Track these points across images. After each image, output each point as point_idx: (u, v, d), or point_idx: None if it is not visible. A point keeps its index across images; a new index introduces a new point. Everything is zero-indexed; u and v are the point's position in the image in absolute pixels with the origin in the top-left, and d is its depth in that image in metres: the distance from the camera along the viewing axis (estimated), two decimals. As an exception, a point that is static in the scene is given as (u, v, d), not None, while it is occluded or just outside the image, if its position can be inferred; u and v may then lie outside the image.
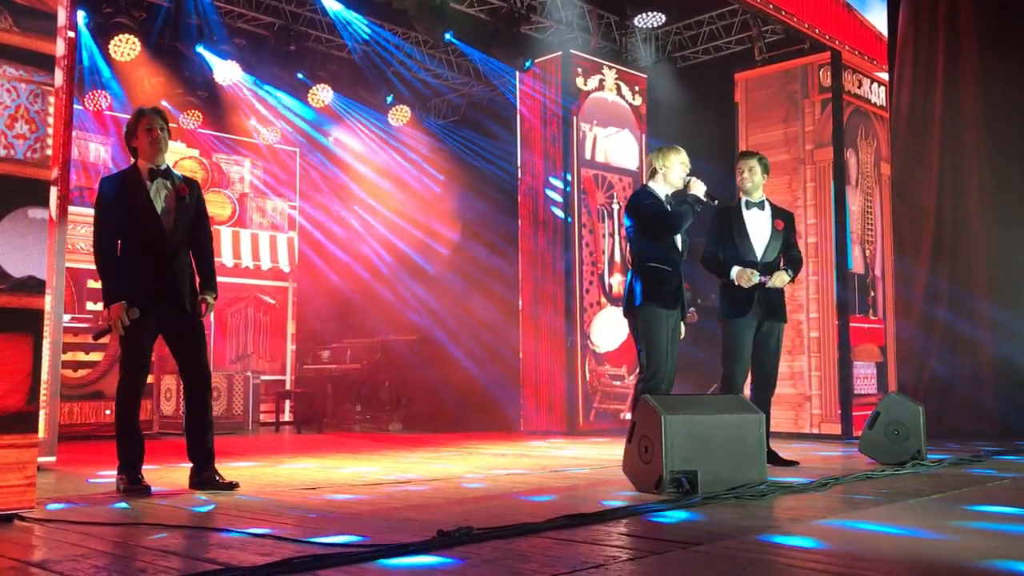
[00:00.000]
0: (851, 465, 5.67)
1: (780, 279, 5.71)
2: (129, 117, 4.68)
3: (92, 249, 4.48)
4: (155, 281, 4.46)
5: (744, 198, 5.84)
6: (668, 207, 5.11)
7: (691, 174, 5.19)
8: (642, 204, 5.13)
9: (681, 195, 5.16)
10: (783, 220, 5.91)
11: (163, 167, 4.57)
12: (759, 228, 5.78)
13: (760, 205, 5.83)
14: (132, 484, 4.38)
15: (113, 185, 4.53)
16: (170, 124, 4.70)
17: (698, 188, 5.10)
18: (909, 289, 9.07)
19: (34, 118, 3.61)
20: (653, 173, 5.21)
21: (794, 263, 5.85)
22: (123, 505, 4.02)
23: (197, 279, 4.66)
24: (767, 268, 5.71)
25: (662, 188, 5.18)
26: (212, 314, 4.86)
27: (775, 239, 5.79)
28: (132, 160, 4.61)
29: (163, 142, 4.54)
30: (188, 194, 4.61)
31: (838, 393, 8.33)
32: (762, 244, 5.76)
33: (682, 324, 5.23)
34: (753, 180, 5.81)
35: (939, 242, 9.01)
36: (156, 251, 4.47)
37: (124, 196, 4.47)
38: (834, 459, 6.22)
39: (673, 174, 5.16)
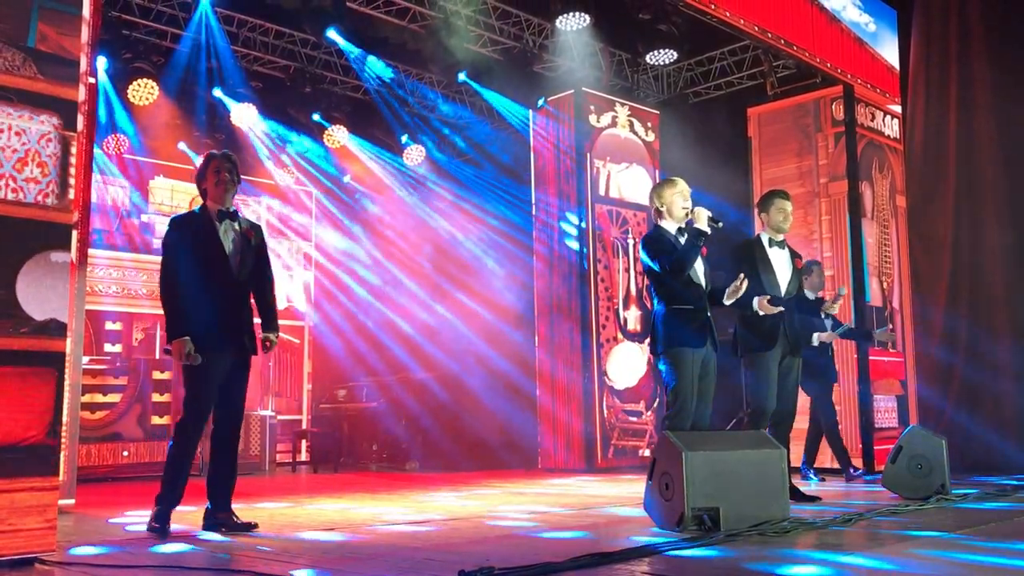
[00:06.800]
0: (874, 500, 5.60)
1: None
2: (200, 162, 4.81)
3: (158, 288, 4.56)
4: (223, 320, 4.54)
5: (768, 235, 5.85)
6: (675, 247, 5.06)
7: (695, 204, 5.14)
8: (649, 249, 5.11)
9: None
10: (800, 259, 6.04)
11: (231, 209, 4.69)
12: (782, 265, 5.83)
13: (781, 243, 5.86)
14: (160, 524, 4.39)
15: (182, 225, 4.63)
16: (238, 167, 4.79)
17: (701, 218, 5.01)
18: (927, 321, 8.99)
19: (57, 163, 3.66)
20: (658, 212, 5.23)
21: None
22: (146, 547, 4.01)
23: (256, 319, 4.75)
24: (788, 304, 5.73)
25: (671, 224, 5.18)
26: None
27: (795, 277, 5.88)
28: (202, 201, 4.72)
29: (230, 184, 4.65)
30: (253, 237, 4.74)
31: (859, 427, 8.25)
32: (785, 280, 5.81)
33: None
34: (790, 221, 5.86)
35: (956, 274, 8.93)
36: (224, 291, 4.57)
37: (192, 236, 4.57)
38: (856, 494, 6.14)
39: (676, 208, 5.16)
